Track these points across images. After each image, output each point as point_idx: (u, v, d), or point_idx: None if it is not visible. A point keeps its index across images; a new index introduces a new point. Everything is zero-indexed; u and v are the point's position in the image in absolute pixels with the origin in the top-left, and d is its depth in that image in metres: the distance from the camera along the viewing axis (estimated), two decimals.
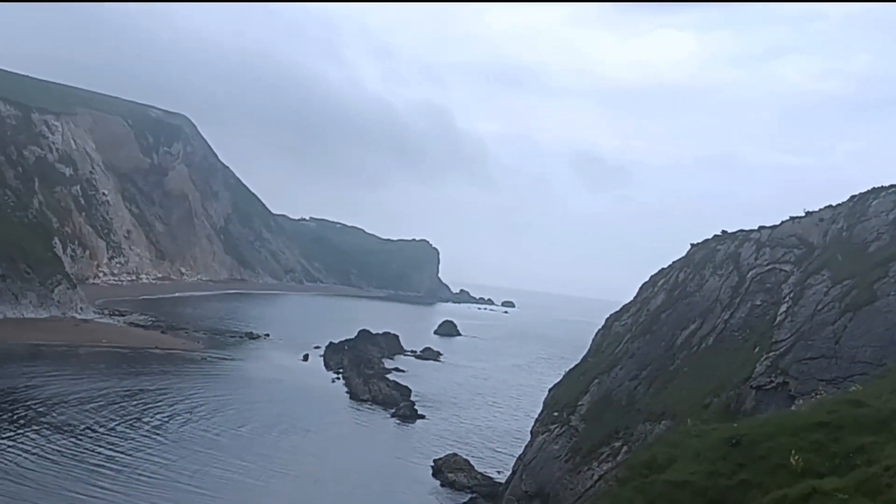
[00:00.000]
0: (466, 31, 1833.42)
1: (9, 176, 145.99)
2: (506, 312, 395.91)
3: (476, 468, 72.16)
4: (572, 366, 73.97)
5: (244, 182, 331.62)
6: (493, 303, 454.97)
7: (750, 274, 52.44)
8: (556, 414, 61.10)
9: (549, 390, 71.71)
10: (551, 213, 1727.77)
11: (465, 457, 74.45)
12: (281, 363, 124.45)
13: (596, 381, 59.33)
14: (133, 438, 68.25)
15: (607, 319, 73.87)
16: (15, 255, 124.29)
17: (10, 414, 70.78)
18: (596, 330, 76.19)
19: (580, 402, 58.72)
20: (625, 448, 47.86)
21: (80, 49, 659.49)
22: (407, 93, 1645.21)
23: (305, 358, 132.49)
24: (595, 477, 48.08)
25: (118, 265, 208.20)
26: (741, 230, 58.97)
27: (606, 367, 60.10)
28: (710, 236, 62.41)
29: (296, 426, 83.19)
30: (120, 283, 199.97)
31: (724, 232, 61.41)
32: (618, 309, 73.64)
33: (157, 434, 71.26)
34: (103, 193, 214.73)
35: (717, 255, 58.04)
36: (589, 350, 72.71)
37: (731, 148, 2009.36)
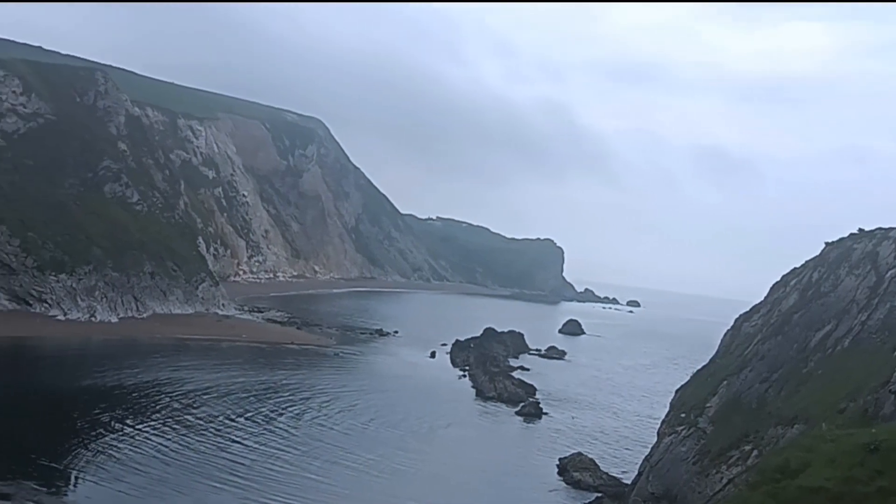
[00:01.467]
0: (588, 27, 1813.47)
1: (157, 179, 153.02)
2: (631, 312, 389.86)
3: (601, 468, 71.46)
4: (699, 367, 72.43)
5: (374, 183, 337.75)
6: (617, 302, 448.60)
7: (889, 274, 50.14)
8: (683, 415, 59.93)
9: (676, 391, 70.42)
10: (676, 209, 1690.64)
11: (590, 456, 73.82)
12: (409, 359, 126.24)
13: (724, 382, 57.89)
14: (265, 431, 70.38)
15: (736, 320, 72.00)
16: (163, 253, 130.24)
17: (155, 404, 74.33)
18: (724, 330, 74.38)
19: (708, 404, 57.43)
20: (755, 452, 46.56)
21: (221, 58, 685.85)
22: (528, 91, 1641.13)
23: (433, 355, 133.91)
24: (724, 480, 46.94)
25: (257, 263, 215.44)
26: (879, 228, 56.40)
27: (735, 368, 58.55)
28: (844, 234, 59.95)
29: (422, 422, 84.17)
30: (258, 280, 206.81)
31: (860, 230, 58.84)
32: (747, 309, 71.66)
33: (288, 427, 73.30)
34: (243, 195, 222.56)
35: (854, 253, 55.68)
36: (717, 351, 71.03)
37: (863, 142, 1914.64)
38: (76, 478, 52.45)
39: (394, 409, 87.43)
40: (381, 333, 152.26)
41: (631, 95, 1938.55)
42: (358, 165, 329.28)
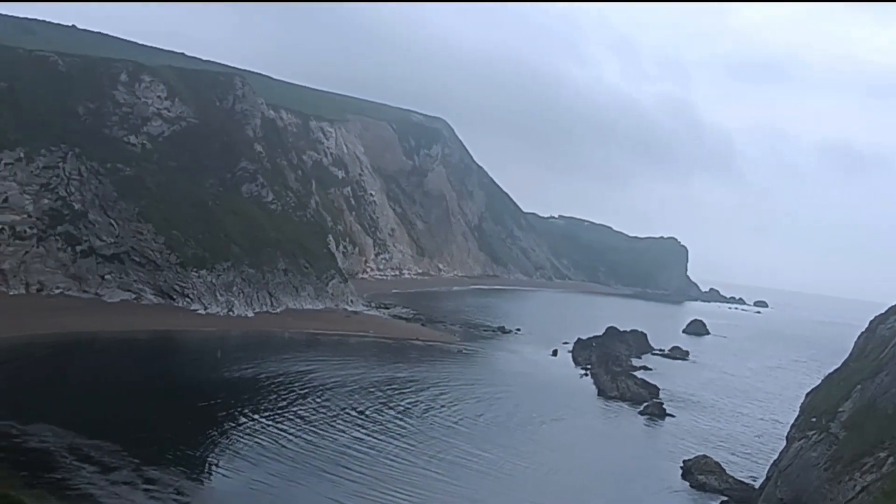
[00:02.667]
0: (713, 23, 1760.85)
1: (290, 179, 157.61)
2: (758, 312, 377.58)
3: (727, 471, 69.61)
4: (830, 370, 69.66)
5: (497, 181, 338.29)
6: (744, 302, 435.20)
7: None
8: (814, 420, 57.83)
9: (807, 395, 67.97)
10: (803, 208, 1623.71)
11: (715, 459, 71.97)
12: (531, 357, 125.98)
13: (858, 387, 55.50)
14: (386, 426, 71.26)
15: (871, 322, 68.86)
16: (296, 251, 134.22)
17: (285, 397, 76.70)
18: (857, 333, 71.31)
19: (840, 409, 55.20)
20: (890, 459, 44.56)
21: (350, 61, 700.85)
22: (650, 88, 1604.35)
23: (554, 353, 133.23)
24: (857, 488, 45.10)
25: (383, 261, 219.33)
26: None
27: (870, 372, 56.04)
28: None
29: (542, 420, 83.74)
30: (385, 277, 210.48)
31: None
32: (882, 311, 68.48)
33: (409, 422, 74.03)
34: (371, 194, 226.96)
35: None
36: (850, 354, 68.15)
37: None
38: (212, 465, 54.78)
39: (514, 407, 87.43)
40: (503, 331, 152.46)
41: (756, 91, 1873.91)
42: (481, 165, 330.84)
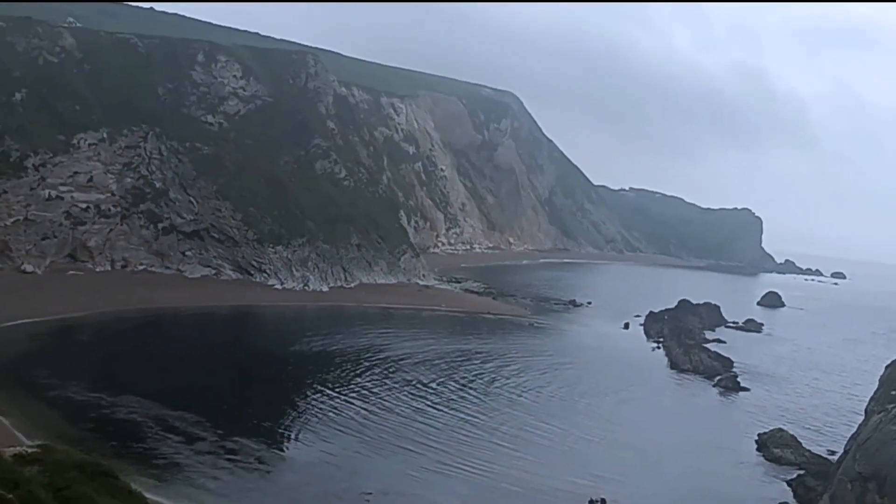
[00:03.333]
0: None
1: (363, 155, 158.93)
2: (835, 284, 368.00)
3: (803, 445, 68.47)
4: None
5: (567, 155, 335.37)
6: (821, 273, 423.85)
7: None
8: (893, 393, 56.44)
9: (886, 367, 66.23)
10: (883, 177, 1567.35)
11: (791, 432, 70.84)
12: (602, 330, 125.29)
13: None
14: (458, 397, 71.89)
15: None
16: (369, 226, 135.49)
17: (359, 369, 77.90)
18: None
19: None
20: None
21: (421, 37, 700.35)
22: (721, 57, 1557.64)
23: (626, 326, 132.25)
24: None
25: (454, 235, 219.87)
26: None
27: None
28: None
29: (614, 393, 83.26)
30: (456, 252, 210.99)
31: None
32: None
33: (481, 394, 74.58)
34: (441, 169, 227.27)
35: None
36: None
37: None
38: (289, 436, 56.12)
39: (585, 379, 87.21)
40: (574, 304, 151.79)
41: (833, 57, 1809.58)
42: (551, 138, 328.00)
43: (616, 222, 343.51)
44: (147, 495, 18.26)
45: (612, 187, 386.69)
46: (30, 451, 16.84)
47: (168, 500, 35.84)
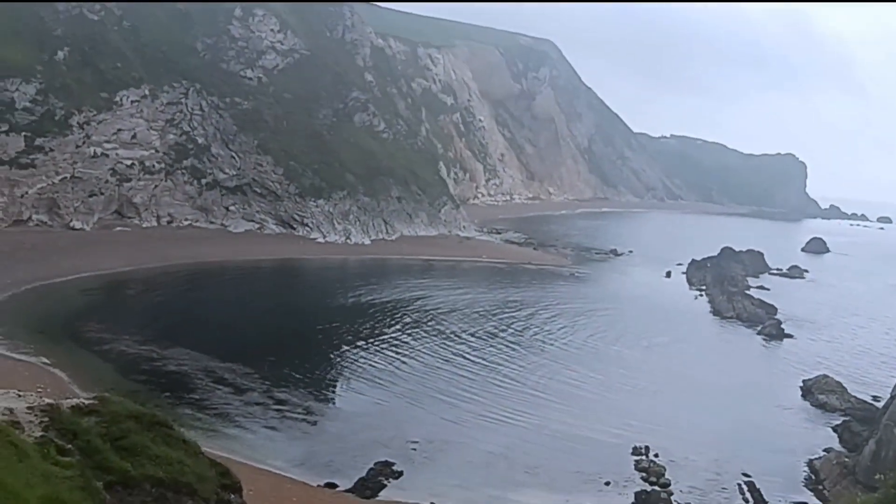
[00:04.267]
0: None
1: (401, 107, 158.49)
2: (881, 229, 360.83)
3: (848, 391, 67.80)
4: None
5: (606, 103, 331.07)
6: (866, 218, 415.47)
7: None
8: None
9: None
10: None
11: (836, 379, 70.16)
12: (643, 279, 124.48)
13: None
14: (492, 347, 72.00)
15: None
16: (408, 178, 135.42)
17: (401, 319, 78.48)
18: None
19: None
20: None
21: None
22: None
23: (668, 274, 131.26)
24: None
25: (494, 186, 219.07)
26: None
27: None
28: None
29: (656, 341, 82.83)
30: (496, 203, 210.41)
31: None
32: None
33: (519, 343, 74.69)
34: (479, 120, 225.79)
35: None
36: None
37: None
38: (335, 387, 56.91)
39: (626, 328, 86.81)
40: (615, 253, 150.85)
41: (879, 3, 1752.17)
42: (590, 86, 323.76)
43: (657, 170, 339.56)
44: (201, 443, 18.57)
45: (652, 135, 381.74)
46: (87, 402, 17.18)
47: (221, 450, 36.53)
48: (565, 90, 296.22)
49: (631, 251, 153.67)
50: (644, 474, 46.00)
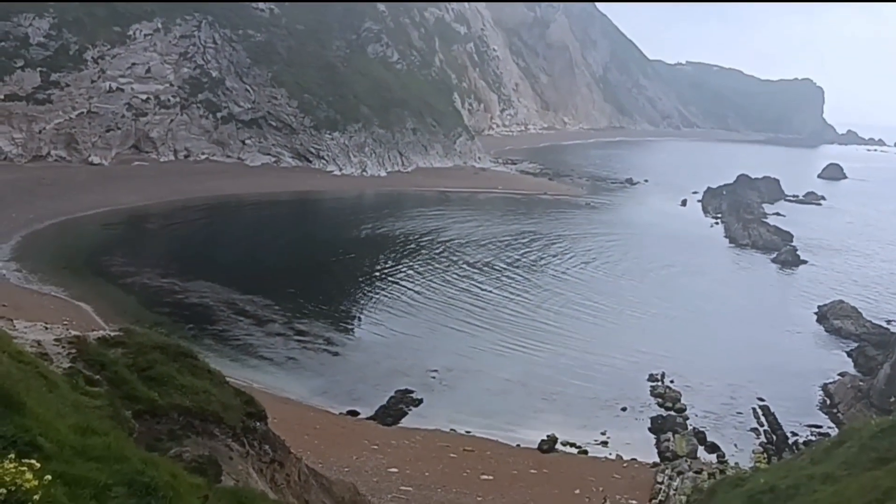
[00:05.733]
0: None
1: (414, 37, 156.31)
2: None
3: (863, 315, 67.67)
4: None
5: (621, 30, 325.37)
6: (884, 143, 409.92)
7: None
8: None
9: None
10: None
11: (851, 304, 69.99)
12: (659, 208, 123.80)
13: None
14: (509, 276, 72.30)
15: None
16: (423, 110, 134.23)
17: (418, 250, 78.70)
18: None
19: None
20: None
21: None
22: None
23: (683, 203, 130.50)
24: None
25: (508, 117, 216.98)
26: None
27: None
28: None
29: (671, 269, 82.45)
30: (510, 133, 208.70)
31: None
32: None
33: (535, 274, 74.71)
34: (493, 49, 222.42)
35: None
36: None
37: None
38: (353, 317, 57.38)
39: (642, 256, 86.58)
40: (630, 182, 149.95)
41: None
42: (604, 12, 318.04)
43: (672, 98, 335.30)
44: (226, 373, 18.76)
45: (668, 62, 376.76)
46: (112, 334, 17.29)
47: (245, 379, 37.05)
48: (580, 17, 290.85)
49: (646, 180, 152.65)
50: (660, 400, 46.39)
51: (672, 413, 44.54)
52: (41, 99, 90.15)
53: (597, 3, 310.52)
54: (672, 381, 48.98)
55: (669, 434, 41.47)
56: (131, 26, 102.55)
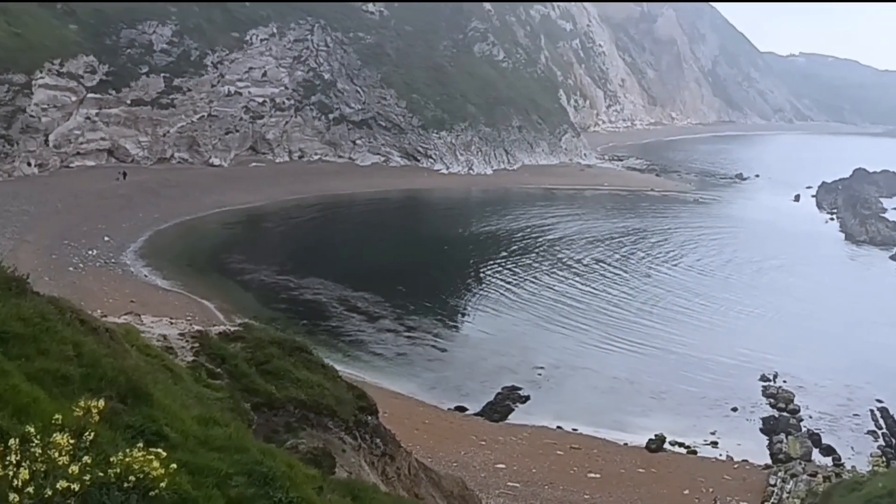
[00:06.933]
0: None
1: (519, 35, 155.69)
2: None
3: None
4: None
5: (730, 22, 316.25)
6: None
7: None
8: None
9: None
10: None
11: None
12: (770, 204, 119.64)
13: None
14: (616, 273, 71.31)
15: None
16: (528, 107, 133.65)
17: (524, 248, 78.43)
18: None
19: None
20: None
21: None
22: None
23: (796, 198, 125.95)
24: None
25: (614, 113, 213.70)
26: None
27: None
28: None
29: (784, 267, 79.64)
30: (616, 129, 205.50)
31: None
32: None
33: (643, 271, 73.47)
34: (599, 45, 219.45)
35: None
36: None
37: None
38: (461, 314, 57.66)
39: (752, 254, 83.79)
40: (741, 178, 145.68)
41: None
42: (713, 5, 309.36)
43: (784, 90, 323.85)
44: (338, 368, 19.12)
45: (779, 53, 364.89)
46: (232, 329, 17.88)
47: (356, 373, 37.66)
48: (687, 11, 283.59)
49: (757, 175, 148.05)
50: (772, 400, 45.00)
51: (785, 414, 43.14)
52: (165, 103, 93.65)
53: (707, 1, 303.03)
54: (784, 382, 47.42)
55: (782, 435, 40.19)
56: (248, 31, 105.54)
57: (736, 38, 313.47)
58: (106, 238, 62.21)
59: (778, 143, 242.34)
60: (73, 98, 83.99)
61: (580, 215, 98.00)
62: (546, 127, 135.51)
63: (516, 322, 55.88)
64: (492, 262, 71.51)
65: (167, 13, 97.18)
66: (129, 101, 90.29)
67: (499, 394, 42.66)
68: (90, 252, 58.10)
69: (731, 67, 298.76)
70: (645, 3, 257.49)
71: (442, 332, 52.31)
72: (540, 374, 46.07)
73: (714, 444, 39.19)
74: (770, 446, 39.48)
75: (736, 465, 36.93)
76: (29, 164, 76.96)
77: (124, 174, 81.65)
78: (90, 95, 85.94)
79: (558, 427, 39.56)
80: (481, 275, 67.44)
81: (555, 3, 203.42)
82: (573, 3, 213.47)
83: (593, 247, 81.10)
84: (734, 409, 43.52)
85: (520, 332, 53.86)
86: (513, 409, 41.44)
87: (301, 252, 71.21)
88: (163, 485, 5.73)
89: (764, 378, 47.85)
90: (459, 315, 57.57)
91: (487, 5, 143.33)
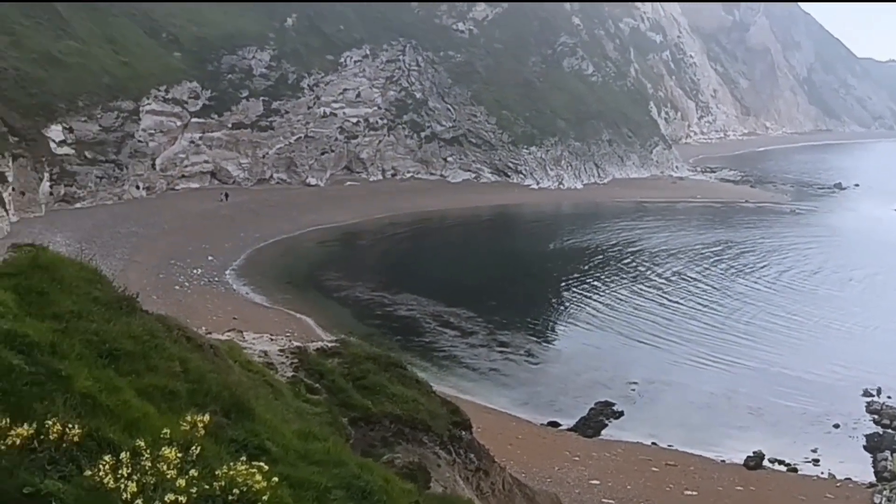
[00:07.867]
0: None
1: (608, 49, 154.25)
2: None
3: None
4: None
5: (826, 28, 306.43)
6: None
7: None
8: None
9: None
10: None
11: None
12: (871, 213, 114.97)
13: None
14: (711, 287, 69.43)
15: None
16: (618, 120, 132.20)
17: (616, 263, 77.34)
18: None
19: None
20: None
21: None
22: None
23: None
24: None
25: (706, 124, 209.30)
26: None
27: None
28: None
29: (885, 280, 76.37)
30: (709, 141, 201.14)
31: None
32: None
33: (739, 284, 71.25)
34: (690, 56, 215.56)
35: None
36: None
37: None
38: (553, 329, 57.26)
39: (850, 265, 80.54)
40: (839, 188, 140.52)
41: None
42: (808, 11, 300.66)
43: (884, 96, 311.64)
44: (432, 383, 19.21)
45: (878, 59, 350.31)
46: (330, 345, 18.18)
47: (450, 388, 37.76)
48: (781, 18, 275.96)
49: (857, 184, 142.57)
50: (876, 416, 43.09)
51: (890, 431, 41.21)
52: (264, 126, 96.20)
53: (800, 3, 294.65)
54: (889, 398, 45.35)
55: (887, 453, 38.42)
56: (342, 54, 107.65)
57: (832, 45, 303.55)
58: (210, 257, 64.14)
59: (878, 151, 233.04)
60: (178, 123, 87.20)
61: (670, 228, 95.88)
62: (637, 140, 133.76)
63: (607, 336, 55.14)
64: (582, 278, 70.75)
65: (266, 38, 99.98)
66: (230, 125, 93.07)
67: (592, 409, 42.08)
68: (195, 271, 59.96)
69: (828, 74, 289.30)
70: (737, 13, 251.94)
71: (534, 347, 51.99)
72: (633, 390, 45.27)
73: (815, 461, 37.74)
74: (874, 464, 37.78)
75: (839, 484, 35.47)
76: (137, 188, 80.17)
77: (226, 195, 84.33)
78: (194, 120, 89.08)
79: (653, 443, 38.77)
80: (571, 290, 66.80)
81: (645, 15, 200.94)
82: (663, 15, 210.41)
83: (687, 260, 79.33)
84: (836, 426, 41.85)
85: (612, 347, 53.12)
86: (606, 425, 40.81)
87: (394, 268, 71.93)
88: (265, 498, 5.86)
89: (867, 393, 45.86)
90: (551, 330, 57.19)
91: (576, 19, 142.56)
